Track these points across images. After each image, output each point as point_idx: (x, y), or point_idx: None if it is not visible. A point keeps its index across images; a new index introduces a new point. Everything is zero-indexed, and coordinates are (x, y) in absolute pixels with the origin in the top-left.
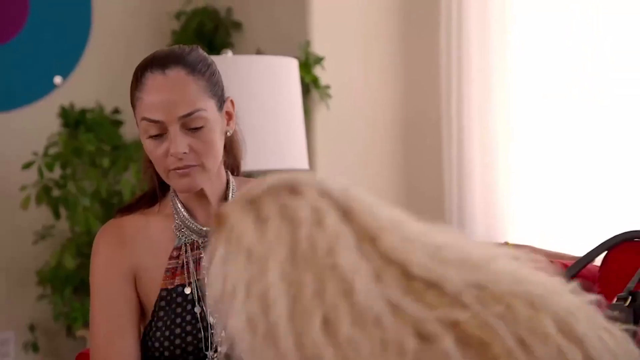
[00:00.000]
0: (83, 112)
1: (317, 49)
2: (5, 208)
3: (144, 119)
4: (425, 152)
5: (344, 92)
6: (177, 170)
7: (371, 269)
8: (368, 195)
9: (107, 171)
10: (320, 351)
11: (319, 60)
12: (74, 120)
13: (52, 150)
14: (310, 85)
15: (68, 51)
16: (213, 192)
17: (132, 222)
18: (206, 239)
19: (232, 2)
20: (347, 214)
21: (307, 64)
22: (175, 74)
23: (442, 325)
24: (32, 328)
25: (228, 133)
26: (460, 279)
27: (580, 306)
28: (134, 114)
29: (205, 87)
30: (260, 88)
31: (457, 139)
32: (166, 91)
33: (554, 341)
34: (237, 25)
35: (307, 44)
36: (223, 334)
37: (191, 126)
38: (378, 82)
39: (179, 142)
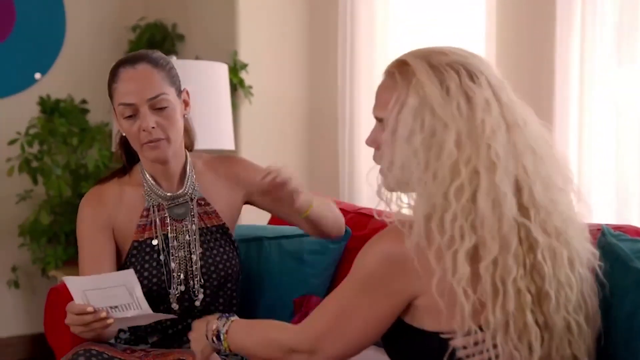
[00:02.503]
0: (57, 101)
1: (243, 57)
2: None
3: (121, 103)
4: (324, 138)
5: (263, 91)
6: (149, 144)
7: (511, 155)
8: (510, 91)
9: (76, 148)
10: (453, 201)
11: (244, 66)
12: (50, 108)
13: (32, 131)
14: (237, 86)
15: (46, 53)
16: (176, 164)
17: (110, 189)
18: (170, 202)
19: (177, 18)
20: (501, 105)
21: (235, 69)
22: (143, 67)
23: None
24: (14, 269)
25: (186, 115)
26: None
27: None
28: (112, 102)
29: (165, 77)
30: (198, 87)
31: (349, 127)
32: (136, 80)
33: None
34: (181, 37)
35: (235, 53)
36: (181, 276)
37: (157, 106)
38: (289, 85)
39: (149, 118)
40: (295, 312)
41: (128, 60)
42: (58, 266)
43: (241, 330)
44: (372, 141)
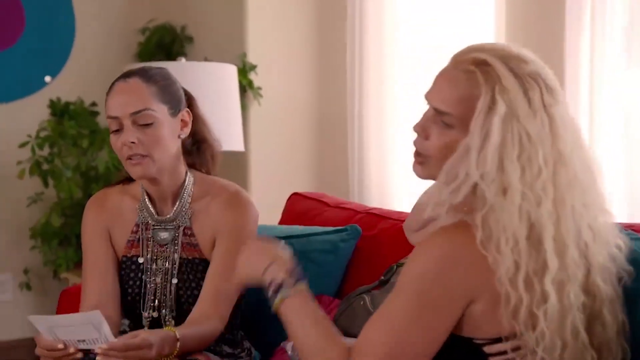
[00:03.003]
0: (67, 104)
1: (252, 58)
2: (5, 178)
3: (108, 117)
4: (334, 138)
5: (272, 92)
6: (130, 160)
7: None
8: None
9: (86, 150)
10: (548, 223)
11: (253, 67)
12: (60, 111)
13: (43, 134)
14: (246, 87)
15: (56, 56)
16: (168, 185)
17: (114, 196)
18: (156, 224)
19: (186, 20)
20: (572, 123)
21: (244, 70)
22: (133, 81)
23: None
24: (26, 271)
25: (181, 136)
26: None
27: None
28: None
29: (157, 93)
30: (208, 88)
31: (358, 127)
32: (123, 94)
33: None
34: (190, 39)
35: (244, 54)
36: (155, 302)
37: (140, 122)
38: (297, 86)
39: (130, 134)
40: None
41: (123, 74)
42: (69, 268)
43: (302, 310)
44: (422, 129)
